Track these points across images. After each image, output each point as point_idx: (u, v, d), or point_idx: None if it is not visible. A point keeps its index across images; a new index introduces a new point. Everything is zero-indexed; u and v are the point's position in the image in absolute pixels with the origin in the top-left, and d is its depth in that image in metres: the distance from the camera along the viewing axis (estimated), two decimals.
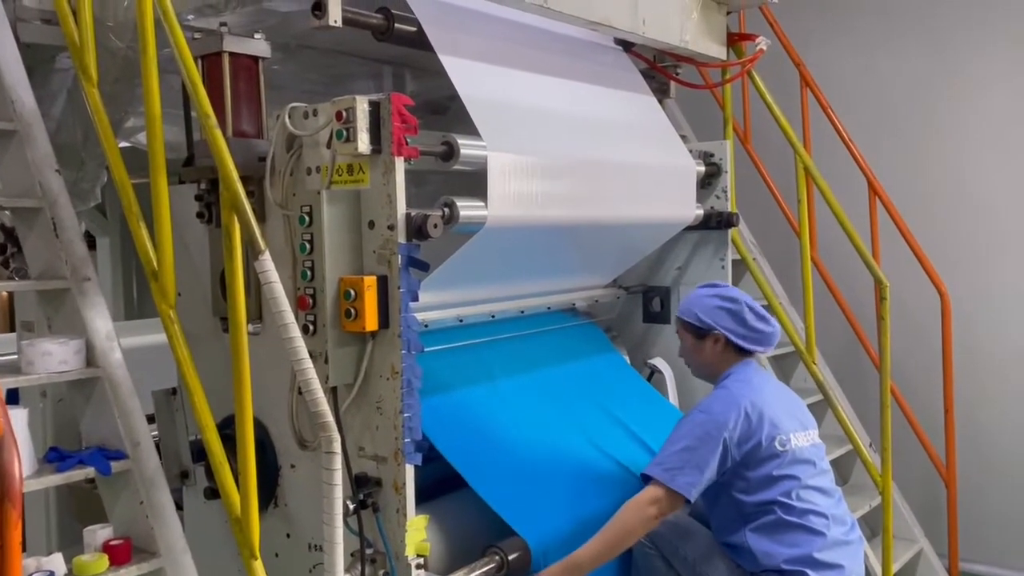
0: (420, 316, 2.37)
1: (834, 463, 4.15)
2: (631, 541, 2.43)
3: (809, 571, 2.38)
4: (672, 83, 3.60)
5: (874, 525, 4.08)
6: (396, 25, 2.42)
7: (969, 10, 4.59)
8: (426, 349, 2.28)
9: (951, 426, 4.20)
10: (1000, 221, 4.54)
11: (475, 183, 2.41)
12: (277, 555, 2.46)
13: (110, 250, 6.12)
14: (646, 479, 2.47)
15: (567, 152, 2.73)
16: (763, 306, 2.77)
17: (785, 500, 2.43)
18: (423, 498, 2.36)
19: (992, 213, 4.56)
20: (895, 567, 3.94)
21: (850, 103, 4.70)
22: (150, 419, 2.45)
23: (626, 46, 3.32)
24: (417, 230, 2.18)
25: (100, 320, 2.34)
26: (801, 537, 2.41)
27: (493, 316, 2.93)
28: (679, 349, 2.82)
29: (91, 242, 5.95)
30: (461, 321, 2.80)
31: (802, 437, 2.53)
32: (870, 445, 4.14)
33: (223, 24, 2.43)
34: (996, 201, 4.55)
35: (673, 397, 3.38)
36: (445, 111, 3.60)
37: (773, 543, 2.41)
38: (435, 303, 2.64)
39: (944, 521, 4.22)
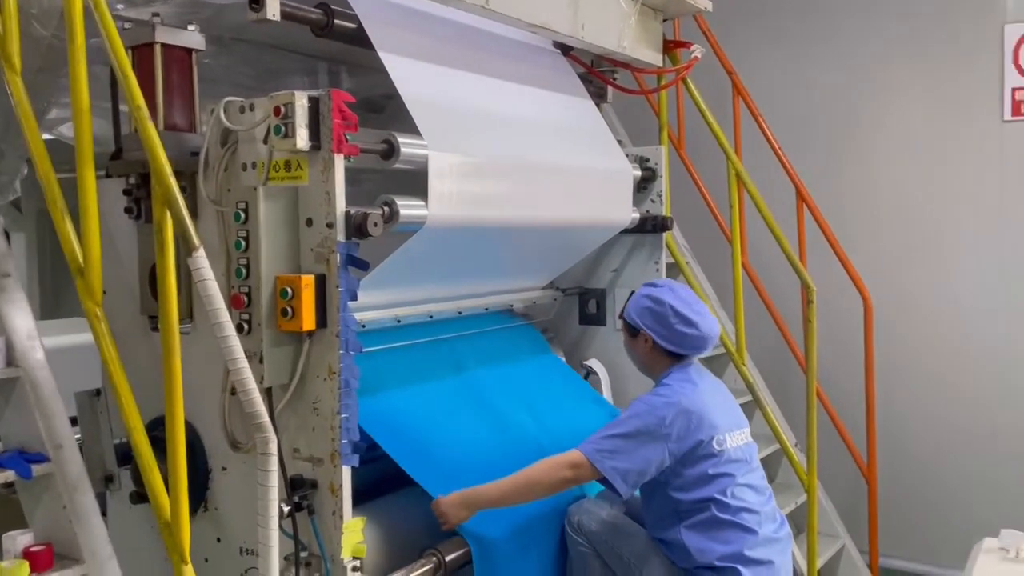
0: (357, 316, 2.35)
1: (762, 462, 4.23)
2: (535, 494, 2.47)
3: (741, 567, 2.43)
4: (609, 88, 3.64)
5: (799, 522, 4.19)
6: (336, 21, 2.39)
7: (875, 25, 4.77)
8: (364, 349, 2.25)
9: (872, 425, 4.34)
10: (918, 228, 4.73)
11: (412, 182, 2.40)
12: (207, 560, 2.40)
13: (26, 246, 5.89)
14: None
15: (506, 153, 2.74)
16: None
17: (720, 498, 2.48)
18: (360, 499, 2.33)
19: (911, 220, 4.74)
20: (819, 562, 4.06)
21: (779, 112, 4.82)
22: (73, 421, 2.36)
23: (565, 50, 3.35)
24: (357, 228, 2.16)
25: (21, 318, 2.24)
26: (734, 534, 2.46)
27: (431, 316, 2.92)
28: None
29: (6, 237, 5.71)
30: (399, 321, 2.78)
31: (737, 436, 2.58)
32: (796, 444, 4.26)
33: (155, 14, 2.37)
34: (914, 208, 4.73)
35: (608, 398, 3.42)
36: (381, 110, 3.57)
37: (707, 540, 2.46)
38: (373, 303, 2.61)
39: (865, 518, 4.36)
